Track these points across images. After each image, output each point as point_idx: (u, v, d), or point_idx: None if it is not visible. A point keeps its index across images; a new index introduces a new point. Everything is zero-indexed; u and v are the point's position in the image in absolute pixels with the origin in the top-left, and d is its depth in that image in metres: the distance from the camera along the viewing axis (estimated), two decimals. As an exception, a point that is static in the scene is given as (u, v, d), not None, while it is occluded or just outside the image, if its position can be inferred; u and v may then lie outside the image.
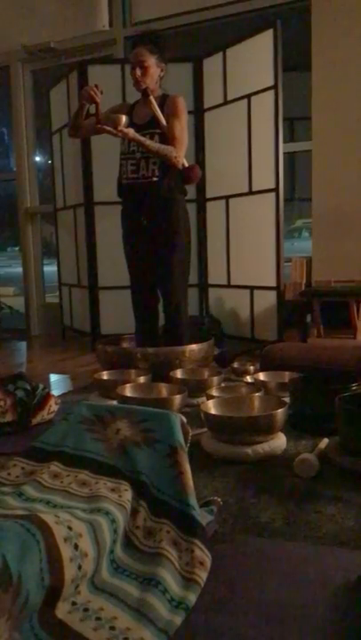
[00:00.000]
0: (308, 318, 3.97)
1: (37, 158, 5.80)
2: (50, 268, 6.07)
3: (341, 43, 3.92)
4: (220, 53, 4.14)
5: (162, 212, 2.89)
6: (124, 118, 2.69)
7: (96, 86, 2.72)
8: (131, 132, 2.71)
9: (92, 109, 2.77)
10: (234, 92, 4.07)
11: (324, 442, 1.84)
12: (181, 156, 2.83)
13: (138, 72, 2.82)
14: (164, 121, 2.82)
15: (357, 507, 1.45)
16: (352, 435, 1.71)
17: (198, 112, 4.34)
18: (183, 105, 2.88)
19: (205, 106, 4.32)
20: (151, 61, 2.82)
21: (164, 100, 2.89)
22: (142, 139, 2.76)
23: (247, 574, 1.13)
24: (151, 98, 2.81)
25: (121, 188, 2.98)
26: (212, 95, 4.26)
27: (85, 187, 4.34)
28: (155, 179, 2.85)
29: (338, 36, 3.93)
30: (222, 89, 4.15)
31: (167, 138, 2.81)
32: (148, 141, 2.77)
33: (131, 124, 2.85)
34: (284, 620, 0.97)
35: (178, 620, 0.96)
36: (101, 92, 2.71)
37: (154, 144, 2.78)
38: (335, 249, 4.05)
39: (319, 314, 3.69)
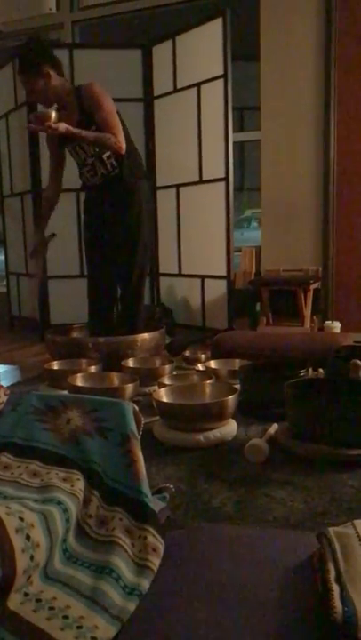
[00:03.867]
0: (258, 307, 4.02)
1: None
2: (-4, 257, 5.92)
3: (289, 33, 3.96)
4: (170, 41, 4.12)
5: (125, 198, 2.87)
6: (53, 114, 2.60)
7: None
8: (62, 126, 2.60)
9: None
10: (184, 81, 4.06)
11: (274, 427, 1.88)
12: (121, 140, 2.74)
13: (33, 98, 2.81)
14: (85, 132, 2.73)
15: (306, 490, 1.48)
16: (300, 420, 1.75)
17: (148, 100, 4.32)
18: (100, 90, 2.77)
19: (155, 93, 4.30)
20: (33, 81, 2.72)
21: (78, 94, 2.79)
22: (76, 130, 2.67)
23: (199, 559, 1.14)
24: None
25: (85, 189, 2.98)
26: (161, 83, 4.24)
27: (33, 173, 4.25)
28: (116, 171, 2.82)
29: (286, 26, 3.97)
30: (172, 77, 4.14)
31: (101, 129, 2.74)
32: (83, 132, 2.69)
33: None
34: (236, 602, 0.99)
35: (131, 606, 0.97)
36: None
37: (90, 133, 2.70)
38: (284, 238, 4.11)
39: (268, 302, 3.75)
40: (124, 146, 2.76)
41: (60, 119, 2.67)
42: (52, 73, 2.73)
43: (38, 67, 2.70)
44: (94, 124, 2.75)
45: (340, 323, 3.65)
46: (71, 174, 3.03)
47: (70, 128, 2.65)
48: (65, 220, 3.16)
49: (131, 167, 2.85)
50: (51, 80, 2.74)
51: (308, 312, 3.64)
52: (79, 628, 0.90)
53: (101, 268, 3.03)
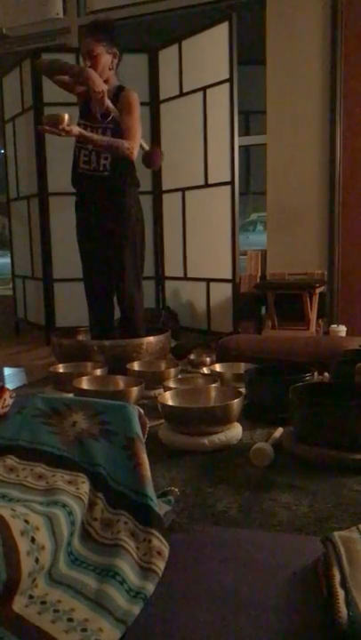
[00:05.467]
0: (263, 310, 4.02)
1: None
2: (2, 260, 5.96)
3: (295, 37, 3.96)
4: (176, 45, 4.13)
5: (113, 204, 2.87)
6: (66, 116, 2.60)
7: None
8: (75, 129, 2.63)
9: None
10: (189, 84, 4.07)
11: (279, 431, 1.88)
12: (135, 147, 2.76)
13: (88, 63, 2.77)
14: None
15: (311, 494, 1.48)
16: (305, 424, 1.75)
17: (154, 103, 4.33)
18: (137, 101, 2.83)
19: (161, 97, 4.31)
20: (100, 50, 2.76)
21: (118, 93, 2.84)
22: (88, 135, 2.69)
23: (204, 562, 1.14)
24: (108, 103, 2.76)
25: (74, 175, 2.95)
26: (167, 87, 4.25)
27: (39, 177, 4.27)
28: (106, 173, 2.82)
29: (292, 30, 3.97)
30: (178, 81, 4.15)
31: (120, 131, 2.77)
32: (95, 137, 2.71)
33: (87, 111, 2.82)
34: (241, 605, 0.99)
35: (136, 609, 0.97)
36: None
37: (103, 139, 2.72)
38: (289, 242, 4.11)
39: (273, 306, 3.74)
40: (135, 152, 2.78)
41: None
42: (116, 56, 2.85)
43: (112, 43, 2.80)
44: (113, 122, 2.78)
45: (346, 326, 3.64)
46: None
47: (83, 132, 2.67)
48: (68, 222, 3.16)
49: (122, 173, 2.84)
50: (113, 62, 2.84)
51: (313, 316, 3.63)
52: (84, 630, 0.90)
53: (95, 274, 3.03)
